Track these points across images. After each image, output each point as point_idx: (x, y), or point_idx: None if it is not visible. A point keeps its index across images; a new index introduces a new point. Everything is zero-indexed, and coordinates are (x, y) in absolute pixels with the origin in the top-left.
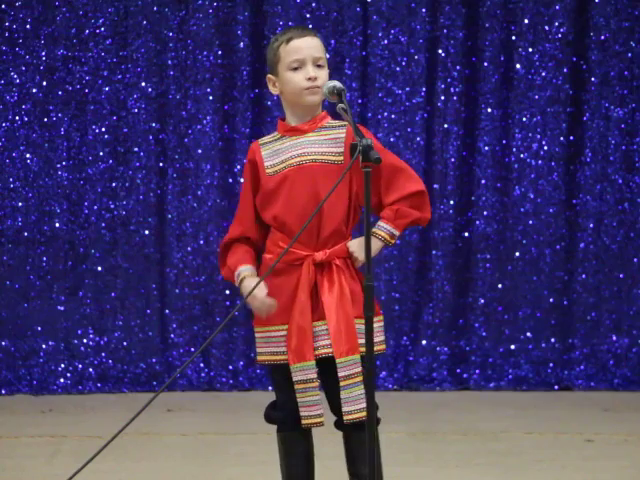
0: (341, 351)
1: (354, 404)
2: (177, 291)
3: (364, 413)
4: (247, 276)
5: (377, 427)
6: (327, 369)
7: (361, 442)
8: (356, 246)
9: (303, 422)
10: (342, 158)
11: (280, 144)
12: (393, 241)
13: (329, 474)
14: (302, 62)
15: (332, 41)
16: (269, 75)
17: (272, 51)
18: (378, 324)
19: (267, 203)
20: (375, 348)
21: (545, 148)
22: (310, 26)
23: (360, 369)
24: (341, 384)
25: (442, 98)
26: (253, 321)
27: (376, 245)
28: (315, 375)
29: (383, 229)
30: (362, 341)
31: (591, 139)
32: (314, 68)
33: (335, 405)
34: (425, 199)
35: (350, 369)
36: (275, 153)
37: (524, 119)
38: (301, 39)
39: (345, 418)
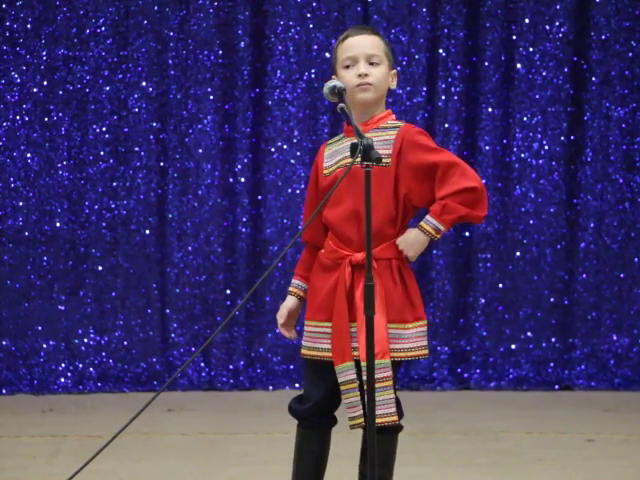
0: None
1: (377, 409)
2: (177, 291)
3: (386, 419)
4: (289, 293)
5: (397, 434)
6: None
7: (379, 444)
8: (403, 242)
9: (348, 423)
10: (389, 160)
11: (339, 144)
12: (438, 236)
13: (331, 473)
14: (354, 59)
15: (333, 41)
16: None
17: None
18: (421, 329)
19: None
20: (415, 353)
21: (546, 148)
22: (310, 26)
23: (389, 374)
24: (365, 387)
25: (443, 98)
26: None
27: (421, 238)
28: (354, 376)
29: (429, 223)
30: (396, 346)
31: (592, 139)
32: (366, 65)
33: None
34: (478, 196)
35: (376, 373)
36: (333, 154)
37: (525, 119)
38: (355, 37)
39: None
